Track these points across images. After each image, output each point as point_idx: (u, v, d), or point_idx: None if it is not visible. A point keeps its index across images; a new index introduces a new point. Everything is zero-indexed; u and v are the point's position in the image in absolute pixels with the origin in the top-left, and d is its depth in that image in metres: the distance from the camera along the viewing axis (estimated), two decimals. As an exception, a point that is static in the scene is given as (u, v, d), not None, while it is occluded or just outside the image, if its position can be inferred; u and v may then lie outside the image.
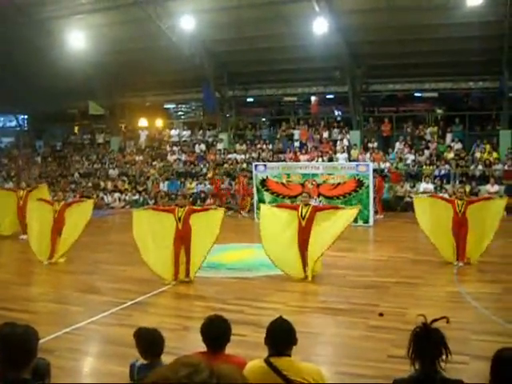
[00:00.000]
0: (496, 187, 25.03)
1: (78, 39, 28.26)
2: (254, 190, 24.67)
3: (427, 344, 4.09)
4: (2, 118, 43.52)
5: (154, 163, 33.26)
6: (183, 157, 33.22)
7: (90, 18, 28.66)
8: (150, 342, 5.17)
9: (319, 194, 23.20)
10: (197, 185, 29.92)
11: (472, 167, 26.90)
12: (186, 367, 2.04)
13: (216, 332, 4.96)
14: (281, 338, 4.63)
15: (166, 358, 5.04)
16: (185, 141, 35.50)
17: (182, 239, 13.62)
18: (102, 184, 32.62)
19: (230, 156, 31.83)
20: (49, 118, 40.09)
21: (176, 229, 13.65)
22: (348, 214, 14.00)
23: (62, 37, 28.59)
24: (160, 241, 13.68)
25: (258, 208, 24.01)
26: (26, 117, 42.17)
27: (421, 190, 25.99)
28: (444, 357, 4.11)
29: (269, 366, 4.52)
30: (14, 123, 42.79)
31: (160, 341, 5.23)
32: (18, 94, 34.83)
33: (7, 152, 39.65)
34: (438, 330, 4.13)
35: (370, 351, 8.86)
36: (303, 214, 13.80)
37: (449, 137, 29.07)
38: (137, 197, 30.53)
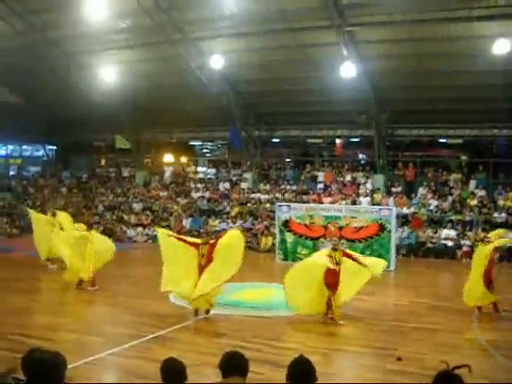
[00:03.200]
0: (519, 235, 24.92)
1: (108, 74, 28.66)
2: (277, 230, 24.76)
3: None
4: (30, 148, 44.02)
5: (178, 199, 33.44)
6: (207, 194, 33.40)
7: (121, 54, 29.15)
8: (173, 370, 5.27)
9: (341, 237, 23.18)
10: (219, 223, 30.09)
11: (495, 215, 26.82)
12: None
13: (234, 367, 5.04)
14: (301, 375, 4.71)
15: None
16: (209, 178, 35.72)
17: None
18: (126, 217, 32.86)
19: (253, 195, 31.96)
20: (76, 149, 40.50)
21: (198, 264, 13.81)
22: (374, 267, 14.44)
23: (94, 71, 29.10)
24: (184, 270, 13.91)
25: (280, 248, 24.18)
26: (53, 147, 42.63)
27: (443, 236, 25.97)
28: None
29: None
30: (41, 153, 43.25)
31: (183, 370, 5.31)
32: (46, 124, 35.38)
33: (33, 181, 40.07)
34: (459, 376, 4.16)
35: (386, 395, 8.87)
36: (337, 260, 14.00)
37: (472, 183, 29.03)
38: (159, 232, 30.67)
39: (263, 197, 31.51)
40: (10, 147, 42.25)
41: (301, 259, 23.06)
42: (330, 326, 13.39)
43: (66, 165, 41.55)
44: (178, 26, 26.43)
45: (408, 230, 26.70)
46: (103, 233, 30.58)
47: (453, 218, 27.05)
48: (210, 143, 41.62)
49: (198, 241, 14.53)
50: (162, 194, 34.55)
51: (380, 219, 22.98)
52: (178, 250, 14.31)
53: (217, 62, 26.83)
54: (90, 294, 16.65)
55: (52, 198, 36.85)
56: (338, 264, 13.96)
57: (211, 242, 14.32)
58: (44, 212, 24.95)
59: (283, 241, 24.28)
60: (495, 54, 22.78)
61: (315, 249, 23.35)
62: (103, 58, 29.05)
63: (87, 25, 24.90)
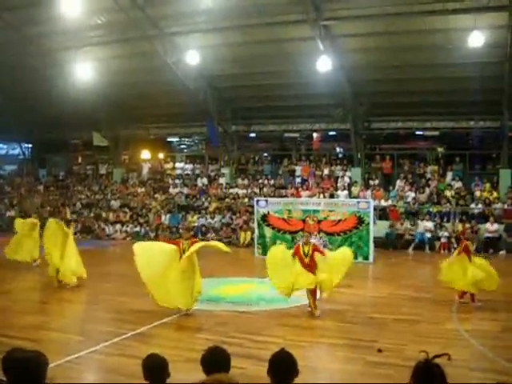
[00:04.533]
0: (496, 226, 25.15)
1: (84, 70, 28.43)
2: (255, 224, 24.77)
3: (428, 379, 4.14)
4: (6, 146, 43.69)
5: (156, 196, 33.37)
6: (185, 190, 33.35)
7: (97, 50, 29.01)
8: (155, 366, 5.27)
9: (320, 231, 23.28)
10: (198, 218, 30.05)
11: (472, 206, 27.03)
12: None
13: (216, 362, 5.03)
14: (283, 369, 4.71)
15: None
16: (187, 174, 35.66)
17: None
18: (104, 215, 32.73)
19: (231, 190, 31.97)
20: (52, 147, 40.25)
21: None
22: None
23: (69, 68, 28.88)
24: (164, 272, 13.69)
25: (259, 243, 24.19)
26: (29, 145, 42.32)
27: (421, 228, 26.12)
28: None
29: (271, 396, 4.61)
30: (17, 151, 42.94)
31: (165, 366, 5.32)
32: (22, 122, 35.11)
33: (10, 180, 39.80)
34: (438, 365, 4.19)
35: (368, 387, 8.93)
36: (305, 252, 14.04)
37: (449, 175, 29.22)
38: (138, 229, 30.62)
39: (241, 192, 31.55)
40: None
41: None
42: (311, 319, 13.43)
43: (42, 163, 41.34)
44: (153, 21, 26.34)
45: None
46: (82, 231, 30.68)
47: (430, 209, 27.23)
48: (187, 139, 41.55)
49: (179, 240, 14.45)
50: (139, 190, 34.47)
51: (358, 212, 23.09)
52: (159, 253, 14.05)
53: (193, 57, 26.78)
54: (70, 292, 16.57)
55: (29, 197, 36.62)
56: (307, 257, 14.05)
57: (193, 239, 14.41)
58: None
59: (262, 235, 24.30)
60: (470, 46, 22.96)
61: (294, 243, 23.48)
62: (79, 54, 28.84)
63: (62, 22, 24.73)
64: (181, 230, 20.03)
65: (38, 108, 34.07)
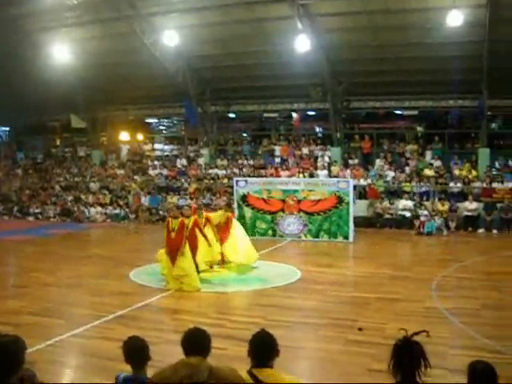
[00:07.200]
0: (475, 204, 25.28)
1: (61, 52, 28.14)
2: (235, 205, 24.74)
3: (408, 356, 4.16)
4: (-18, 130, 43.31)
5: (136, 177, 33.22)
6: (165, 171, 33.21)
7: (74, 32, 28.69)
8: (135, 349, 5.25)
9: (300, 210, 23.29)
10: (178, 199, 29.95)
11: (451, 184, 27.12)
12: (186, 368, 2.17)
13: (197, 344, 4.99)
14: (263, 349, 4.70)
15: (148, 371, 5.13)
16: (166, 155, 35.53)
17: (172, 248, 14.32)
18: (83, 197, 32.53)
19: (210, 171, 31.89)
20: (30, 130, 39.92)
21: (168, 238, 14.43)
22: None
23: (46, 49, 28.53)
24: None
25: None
26: (6, 128, 41.94)
27: (400, 206, 26.20)
28: (424, 369, 4.18)
29: (251, 377, 4.59)
30: (-6, 134, 42.62)
31: (145, 349, 5.30)
32: (-2, 105, 34.76)
33: (-13, 164, 39.46)
34: (418, 342, 4.21)
35: (349, 365, 8.95)
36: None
37: (429, 154, 29.32)
38: (118, 211, 30.49)
39: (221, 172, 31.50)
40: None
41: (260, 234, 23.34)
42: (291, 299, 13.45)
43: (20, 146, 40.96)
44: (130, 1, 26.13)
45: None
46: (61, 213, 30.47)
47: (409, 189, 27.29)
48: (166, 120, 41.39)
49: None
50: (118, 172, 34.30)
51: (338, 191, 23.10)
52: None
53: (170, 37, 26.62)
54: (50, 275, 16.40)
55: (7, 180, 36.34)
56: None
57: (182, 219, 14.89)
58: None
59: (242, 216, 24.25)
60: (449, 25, 22.97)
61: (274, 223, 23.52)
62: (55, 36, 28.55)
63: (38, 2, 24.46)
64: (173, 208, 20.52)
65: (15, 91, 33.65)
